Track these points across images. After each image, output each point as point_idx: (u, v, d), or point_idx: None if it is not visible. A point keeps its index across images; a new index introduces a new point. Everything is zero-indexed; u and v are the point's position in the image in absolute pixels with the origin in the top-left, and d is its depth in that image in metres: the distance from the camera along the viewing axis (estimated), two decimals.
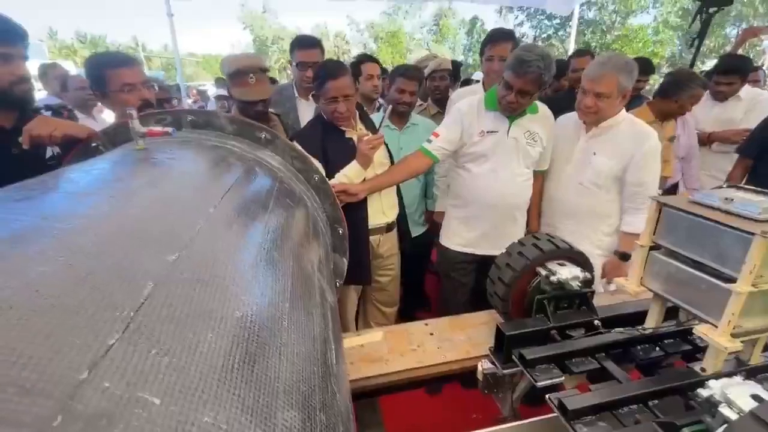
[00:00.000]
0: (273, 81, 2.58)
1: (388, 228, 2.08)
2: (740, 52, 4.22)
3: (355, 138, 1.82)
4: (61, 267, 0.35)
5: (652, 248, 1.09)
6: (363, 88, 2.66)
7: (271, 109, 2.27)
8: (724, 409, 0.73)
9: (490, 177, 1.90)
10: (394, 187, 2.03)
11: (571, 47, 6.87)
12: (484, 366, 1.22)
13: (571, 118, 1.92)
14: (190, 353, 0.33)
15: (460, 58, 22.18)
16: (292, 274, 0.62)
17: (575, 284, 1.23)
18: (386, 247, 2.10)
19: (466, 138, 1.89)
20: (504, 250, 1.40)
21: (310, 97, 2.43)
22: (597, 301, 1.29)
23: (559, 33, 18.97)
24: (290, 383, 0.40)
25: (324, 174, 1.30)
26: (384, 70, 3.15)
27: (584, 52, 3.44)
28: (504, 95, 1.75)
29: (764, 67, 4.79)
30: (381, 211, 1.99)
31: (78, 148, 1.11)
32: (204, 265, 0.46)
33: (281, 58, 24.55)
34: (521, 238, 1.43)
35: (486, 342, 1.32)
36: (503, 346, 1.17)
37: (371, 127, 1.99)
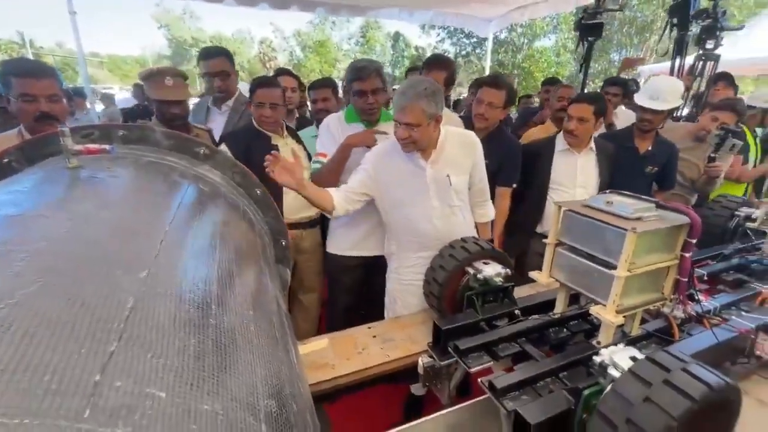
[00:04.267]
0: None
1: (311, 223, 2.16)
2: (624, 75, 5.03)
3: (279, 144, 2.06)
4: (43, 288, 0.37)
5: (557, 245, 1.30)
6: None
7: (201, 125, 2.25)
8: (611, 370, 0.91)
9: None
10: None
11: (488, 64, 7.56)
12: (424, 360, 1.33)
13: (395, 153, 1.76)
14: (181, 356, 0.37)
15: (387, 70, 22.96)
16: (250, 284, 0.66)
17: (498, 280, 1.41)
18: (308, 242, 2.18)
19: None
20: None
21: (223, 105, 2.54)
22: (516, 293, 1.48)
23: (477, 51, 20.58)
24: (265, 377, 0.45)
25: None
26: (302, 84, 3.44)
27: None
28: (363, 102, 1.94)
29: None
30: (305, 204, 1.90)
31: None
32: (173, 281, 0.49)
33: None
34: (451, 242, 1.58)
35: (424, 339, 1.44)
36: (440, 340, 1.30)
37: (297, 138, 2.24)
